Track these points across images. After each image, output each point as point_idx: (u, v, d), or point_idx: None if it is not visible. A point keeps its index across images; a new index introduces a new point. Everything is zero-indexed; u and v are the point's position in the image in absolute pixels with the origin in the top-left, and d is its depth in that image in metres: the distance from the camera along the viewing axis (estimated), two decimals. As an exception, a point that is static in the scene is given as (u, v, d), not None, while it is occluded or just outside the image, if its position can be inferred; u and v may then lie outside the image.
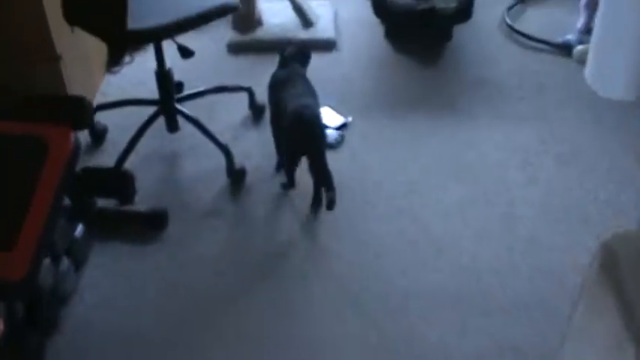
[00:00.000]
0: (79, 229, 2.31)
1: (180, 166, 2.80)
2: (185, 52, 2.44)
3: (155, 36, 2.41)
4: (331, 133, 2.85)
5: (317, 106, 2.52)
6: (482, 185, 2.69)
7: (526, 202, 2.63)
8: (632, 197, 2.63)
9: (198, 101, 2.90)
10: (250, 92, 2.94)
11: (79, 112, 1.96)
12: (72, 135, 1.92)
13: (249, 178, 2.70)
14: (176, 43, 2.50)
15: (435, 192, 2.66)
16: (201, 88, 2.88)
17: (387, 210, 2.59)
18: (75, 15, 2.38)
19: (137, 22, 2.29)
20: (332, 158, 2.54)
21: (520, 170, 2.77)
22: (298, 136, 2.42)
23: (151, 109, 2.75)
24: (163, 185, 2.71)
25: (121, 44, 2.31)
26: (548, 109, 3.10)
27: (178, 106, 2.72)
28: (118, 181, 2.30)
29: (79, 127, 1.97)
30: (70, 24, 2.48)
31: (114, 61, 2.37)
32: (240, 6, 2.53)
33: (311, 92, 2.58)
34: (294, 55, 2.71)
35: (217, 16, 2.43)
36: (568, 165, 2.80)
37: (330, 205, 2.45)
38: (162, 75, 2.64)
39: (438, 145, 2.89)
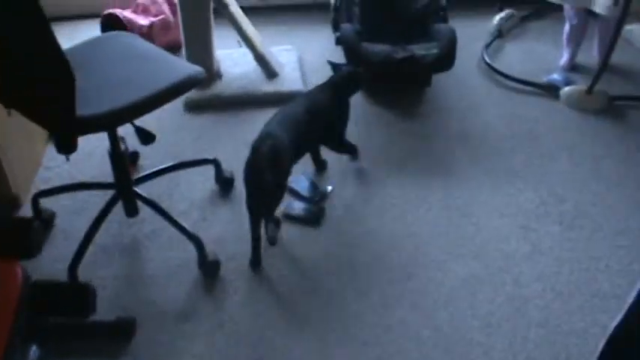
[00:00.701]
0: (33, 351, 1.97)
1: (144, 258, 2.49)
2: (146, 137, 2.13)
3: (110, 124, 2.10)
4: (305, 207, 2.59)
5: (289, 139, 2.30)
6: (484, 261, 2.46)
7: (533, 278, 2.40)
8: (647, 264, 2.44)
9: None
10: (216, 164, 2.64)
11: (27, 238, 1.64)
12: (19, 270, 1.60)
13: (224, 269, 2.40)
14: (134, 126, 2.18)
15: (433, 273, 2.41)
16: (161, 166, 2.58)
17: (381, 298, 2.32)
18: (12, 98, 2.05)
19: (87, 107, 1.96)
20: (311, 235, 2.34)
21: (522, 239, 2.55)
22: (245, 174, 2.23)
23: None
24: (126, 283, 2.39)
25: (69, 133, 1.98)
26: (543, 163, 2.90)
27: (137, 190, 2.41)
28: (76, 297, 1.98)
29: (28, 255, 1.65)
30: (7, 107, 2.14)
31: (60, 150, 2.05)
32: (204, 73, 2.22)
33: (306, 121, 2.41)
34: (343, 80, 2.60)
35: (180, 93, 2.13)
36: (573, 229, 2.60)
37: (272, 240, 2.34)
38: (117, 157, 2.32)
39: (430, 215, 2.65)
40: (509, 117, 3.13)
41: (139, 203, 2.48)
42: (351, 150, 2.76)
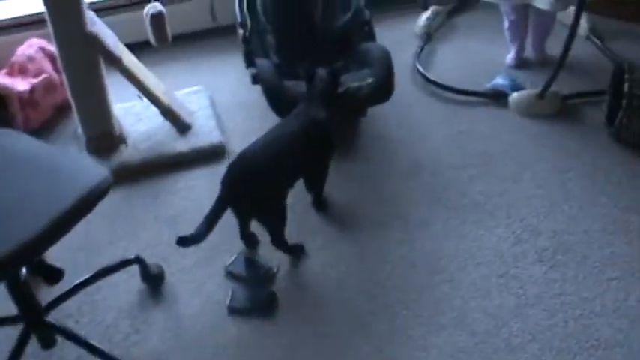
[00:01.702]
0: None
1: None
2: (51, 275, 1.73)
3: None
4: (250, 294, 2.28)
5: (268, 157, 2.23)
6: (469, 328, 2.19)
7: (526, 337, 2.14)
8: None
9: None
10: (140, 262, 2.26)
11: None
12: None
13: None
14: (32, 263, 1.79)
15: (414, 353, 2.12)
16: (75, 282, 2.17)
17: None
18: None
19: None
20: (266, 329, 2.09)
21: (505, 291, 2.30)
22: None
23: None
24: None
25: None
26: (506, 188, 2.66)
27: (50, 319, 2.02)
28: None
29: None
30: None
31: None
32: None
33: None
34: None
35: (88, 211, 1.74)
36: (556, 267, 2.36)
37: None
38: (19, 290, 1.92)
39: (396, 277, 2.34)
40: (458, 138, 2.86)
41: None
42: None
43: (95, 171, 1.83)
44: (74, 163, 1.90)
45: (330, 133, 2.41)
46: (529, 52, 3.25)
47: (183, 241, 2.14)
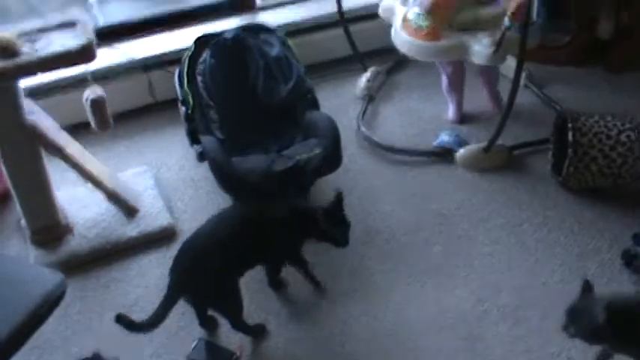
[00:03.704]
0: None
1: None
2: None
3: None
4: None
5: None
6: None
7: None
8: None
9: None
10: (98, 358, 2.22)
11: None
12: None
13: None
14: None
15: None
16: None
17: None
18: None
19: None
20: None
21: (471, 354, 2.33)
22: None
23: None
24: None
25: None
26: (462, 247, 2.71)
27: None
28: None
29: None
30: None
31: None
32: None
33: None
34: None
35: (37, 326, 1.72)
36: (519, 323, 2.41)
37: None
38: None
39: (360, 352, 2.35)
40: (410, 200, 2.91)
41: None
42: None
43: (48, 277, 1.81)
44: (24, 270, 1.88)
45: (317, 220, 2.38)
46: (474, 106, 3.32)
47: (136, 328, 2.13)
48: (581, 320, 1.95)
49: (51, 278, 1.81)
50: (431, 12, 2.89)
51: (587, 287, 1.99)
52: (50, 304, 1.75)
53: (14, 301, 1.73)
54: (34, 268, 1.95)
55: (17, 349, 1.67)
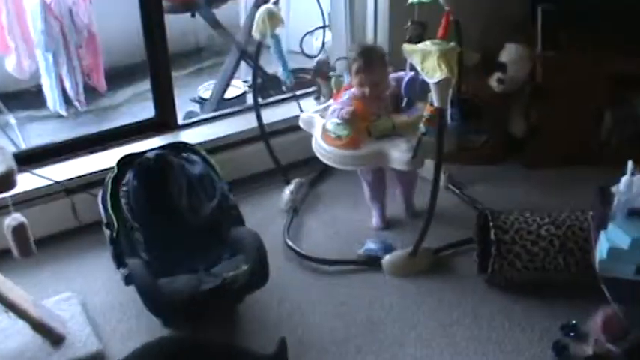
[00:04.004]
0: None
1: None
2: None
3: None
4: None
5: None
6: None
7: None
8: None
9: None
10: None
11: None
12: None
13: None
14: None
15: None
16: None
17: None
18: None
19: None
20: None
21: None
22: None
23: None
24: None
25: None
26: (395, 355, 2.71)
27: None
28: None
29: None
30: None
31: None
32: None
33: None
34: None
35: None
36: None
37: None
38: None
39: None
40: (339, 310, 2.92)
41: None
42: None
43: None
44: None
45: None
46: (398, 211, 3.39)
47: None
48: None
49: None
50: (349, 122, 2.98)
51: None
52: None
53: None
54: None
55: None
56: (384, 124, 3.03)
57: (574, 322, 2.71)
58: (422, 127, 2.83)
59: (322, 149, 3.10)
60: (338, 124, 3.02)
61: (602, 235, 2.50)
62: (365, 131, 3.02)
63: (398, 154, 2.93)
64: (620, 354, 2.53)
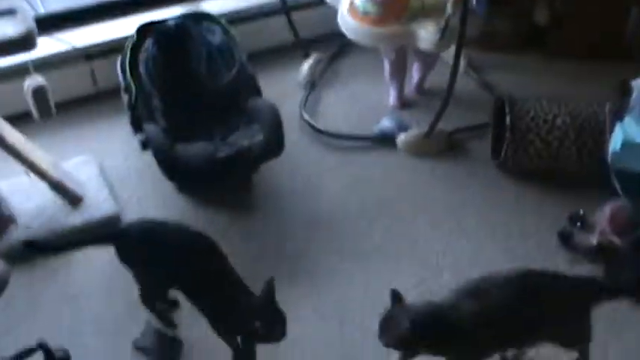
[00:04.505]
0: None
1: None
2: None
3: None
4: None
5: None
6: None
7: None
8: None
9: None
10: (44, 349, 2.22)
11: None
12: None
13: None
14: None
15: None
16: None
17: None
18: None
19: None
20: None
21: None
22: None
23: None
24: None
25: None
26: (404, 230, 2.79)
27: None
28: None
29: None
30: None
31: None
32: None
33: None
34: None
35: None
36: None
37: None
38: None
39: (306, 335, 2.39)
40: (352, 185, 2.97)
41: None
42: None
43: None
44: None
45: None
46: (410, 90, 3.39)
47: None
48: (390, 329, 1.98)
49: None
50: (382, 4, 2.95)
51: (396, 297, 2.01)
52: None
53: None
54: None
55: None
56: (413, 3, 3.00)
57: (582, 212, 2.74)
58: (449, 9, 2.81)
59: (347, 24, 3.08)
60: (367, 0, 2.99)
61: (618, 126, 2.50)
62: (394, 10, 2.98)
63: (426, 34, 2.92)
64: (626, 246, 2.58)
